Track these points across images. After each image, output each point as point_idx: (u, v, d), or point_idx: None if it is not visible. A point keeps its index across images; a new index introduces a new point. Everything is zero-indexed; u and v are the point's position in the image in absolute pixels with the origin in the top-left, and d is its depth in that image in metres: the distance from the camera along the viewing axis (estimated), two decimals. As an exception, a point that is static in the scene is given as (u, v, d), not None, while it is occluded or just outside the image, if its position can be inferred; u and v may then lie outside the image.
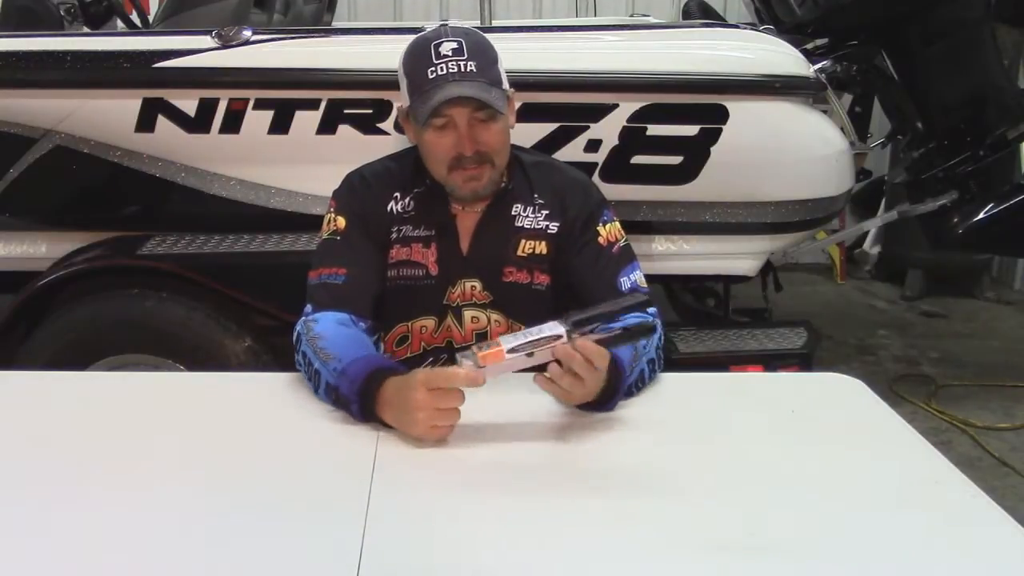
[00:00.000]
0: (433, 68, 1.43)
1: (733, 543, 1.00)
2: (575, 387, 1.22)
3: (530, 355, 1.15)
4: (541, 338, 1.15)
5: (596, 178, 2.12)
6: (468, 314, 1.56)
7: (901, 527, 1.04)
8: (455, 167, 1.48)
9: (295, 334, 1.45)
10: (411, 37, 1.54)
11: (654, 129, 2.20)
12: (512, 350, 1.14)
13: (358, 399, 1.25)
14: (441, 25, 1.51)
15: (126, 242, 2.28)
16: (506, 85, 1.50)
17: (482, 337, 1.56)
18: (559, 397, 1.26)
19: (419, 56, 1.46)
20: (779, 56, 2.26)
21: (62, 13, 2.80)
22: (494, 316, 1.56)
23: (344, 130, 2.18)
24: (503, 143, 1.51)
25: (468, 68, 1.43)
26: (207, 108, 2.17)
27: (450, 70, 1.42)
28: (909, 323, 4.07)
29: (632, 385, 1.34)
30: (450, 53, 1.43)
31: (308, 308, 1.48)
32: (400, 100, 1.54)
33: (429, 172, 1.54)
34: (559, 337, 1.16)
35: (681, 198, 2.28)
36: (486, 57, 1.47)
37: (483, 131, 1.46)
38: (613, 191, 2.00)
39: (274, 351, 2.18)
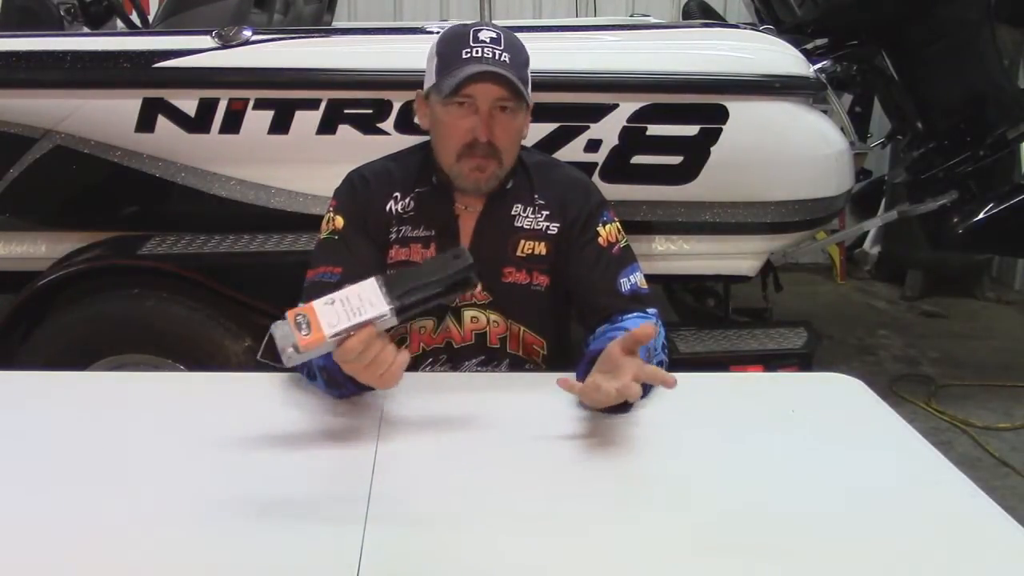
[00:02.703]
0: (469, 50, 1.44)
1: (733, 543, 1.00)
2: (607, 397, 1.21)
3: (350, 335, 1.08)
4: (364, 320, 1.08)
5: (596, 178, 2.13)
6: (467, 314, 1.56)
7: (901, 527, 1.04)
8: (465, 154, 1.48)
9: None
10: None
11: (654, 129, 2.20)
12: (334, 335, 1.08)
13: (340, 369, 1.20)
14: (476, 22, 1.52)
15: (126, 242, 2.28)
16: (529, 92, 1.50)
17: (481, 338, 1.56)
18: (587, 402, 1.26)
19: (457, 38, 1.47)
20: (779, 56, 2.26)
21: (62, 13, 2.80)
22: (493, 316, 1.56)
23: (344, 130, 2.18)
24: (514, 143, 1.51)
25: (502, 58, 1.44)
26: (207, 108, 2.17)
27: (485, 54, 1.44)
28: (909, 323, 4.07)
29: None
30: (488, 40, 1.45)
31: None
32: (423, 85, 1.53)
33: (437, 168, 1.54)
34: (382, 316, 1.09)
35: (681, 198, 2.28)
36: (520, 56, 1.48)
37: (501, 123, 1.46)
38: (613, 191, 2.01)
39: (274, 351, 2.18)
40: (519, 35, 1.51)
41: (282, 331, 1.07)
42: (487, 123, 1.45)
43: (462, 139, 1.47)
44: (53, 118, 2.20)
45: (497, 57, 1.44)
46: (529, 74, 1.50)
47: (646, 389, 1.34)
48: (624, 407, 1.27)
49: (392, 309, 1.09)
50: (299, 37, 2.31)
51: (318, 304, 1.09)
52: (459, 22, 1.56)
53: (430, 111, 1.52)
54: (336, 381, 1.27)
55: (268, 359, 1.09)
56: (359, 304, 1.09)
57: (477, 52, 1.44)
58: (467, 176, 1.49)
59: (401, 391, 1.26)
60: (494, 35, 1.46)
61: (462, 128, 1.47)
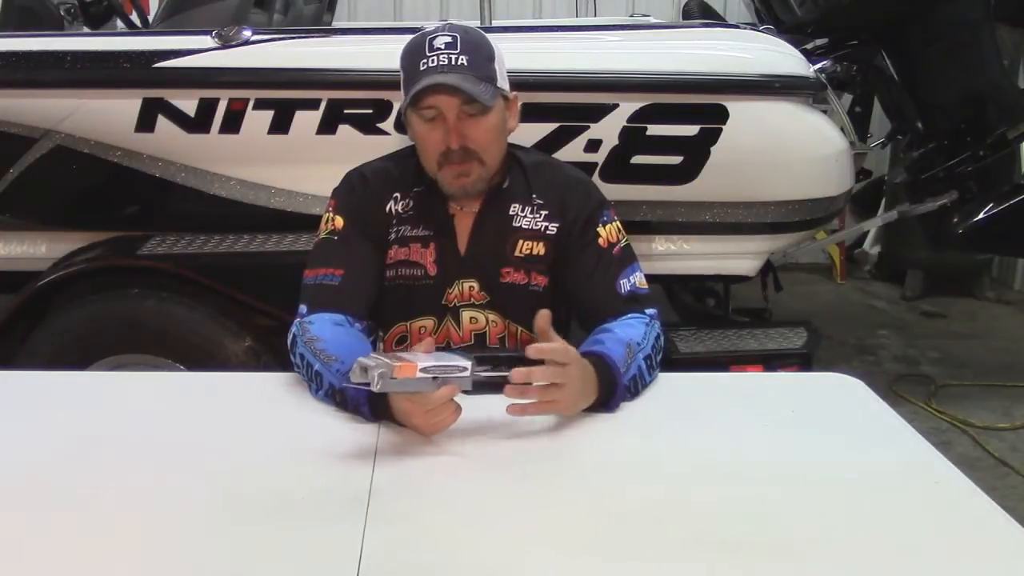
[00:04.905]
0: (425, 60, 1.44)
1: (733, 543, 1.00)
2: (562, 395, 1.22)
3: (435, 379, 1.17)
4: (449, 366, 1.19)
5: (596, 178, 2.12)
6: (466, 315, 1.56)
7: (901, 527, 1.04)
8: (444, 162, 1.48)
9: (290, 335, 1.44)
10: (411, 37, 1.54)
11: (654, 129, 2.20)
12: (424, 370, 1.17)
13: (368, 401, 1.26)
14: (444, 23, 1.51)
15: (126, 242, 2.28)
16: (503, 84, 1.50)
17: (480, 338, 1.56)
18: (557, 411, 1.26)
19: (415, 49, 1.47)
20: (779, 56, 2.26)
21: (62, 13, 2.80)
22: (491, 317, 1.56)
23: (344, 130, 2.18)
24: (492, 140, 1.50)
25: (458, 61, 1.43)
26: (207, 108, 2.17)
27: (440, 62, 1.43)
28: (909, 323, 4.07)
29: (631, 383, 1.34)
30: (443, 47, 1.44)
31: (303, 309, 1.48)
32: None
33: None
34: (464, 369, 1.19)
35: (681, 198, 2.28)
36: (480, 53, 1.46)
37: (471, 126, 1.46)
38: (613, 191, 2.00)
39: (274, 351, 2.18)
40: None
41: (376, 361, 1.17)
42: (456, 130, 1.45)
43: (437, 149, 1.47)
44: (53, 118, 2.20)
45: (453, 62, 1.43)
46: (499, 67, 1.49)
47: (635, 392, 1.35)
48: (604, 404, 1.29)
49: (472, 364, 1.20)
50: (299, 37, 2.31)
51: (406, 354, 1.24)
52: (463, 22, 1.55)
53: (409, 123, 1.52)
54: (344, 405, 1.30)
55: (357, 382, 1.18)
56: (446, 359, 1.22)
57: (433, 62, 1.43)
58: (451, 183, 1.50)
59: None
60: (449, 39, 1.45)
61: (434, 140, 1.47)
